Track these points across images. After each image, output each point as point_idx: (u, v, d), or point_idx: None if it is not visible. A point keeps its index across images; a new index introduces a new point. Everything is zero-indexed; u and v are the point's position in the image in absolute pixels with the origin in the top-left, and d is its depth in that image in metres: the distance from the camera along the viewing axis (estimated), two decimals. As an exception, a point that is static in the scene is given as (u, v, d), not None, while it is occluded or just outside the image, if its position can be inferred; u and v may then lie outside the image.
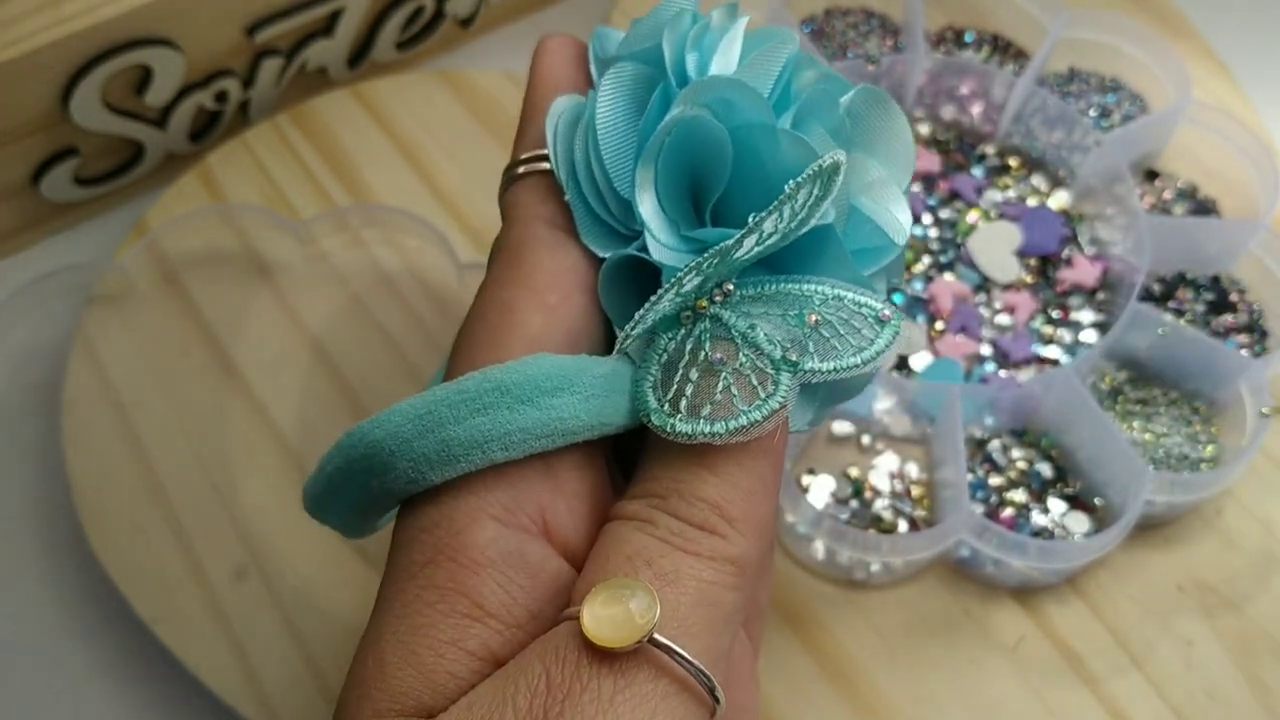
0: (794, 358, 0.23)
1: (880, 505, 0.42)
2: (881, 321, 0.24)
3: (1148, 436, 0.43)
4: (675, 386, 0.23)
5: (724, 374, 0.23)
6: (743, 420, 0.22)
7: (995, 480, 0.42)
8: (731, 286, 0.24)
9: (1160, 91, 0.52)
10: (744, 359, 0.23)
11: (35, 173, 0.46)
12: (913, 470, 0.42)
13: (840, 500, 0.42)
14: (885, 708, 0.38)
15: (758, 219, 0.23)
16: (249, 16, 0.47)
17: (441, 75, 0.52)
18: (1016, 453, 0.43)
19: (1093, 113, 0.52)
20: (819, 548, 0.40)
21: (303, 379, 0.44)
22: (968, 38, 0.54)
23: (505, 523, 0.22)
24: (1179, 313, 0.46)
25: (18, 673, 0.39)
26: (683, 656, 0.20)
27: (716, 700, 0.20)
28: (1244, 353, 0.45)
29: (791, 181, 0.23)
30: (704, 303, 0.24)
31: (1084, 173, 0.48)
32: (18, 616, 0.40)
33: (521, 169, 0.26)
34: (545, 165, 0.26)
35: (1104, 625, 0.40)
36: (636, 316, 0.23)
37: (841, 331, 0.24)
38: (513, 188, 0.27)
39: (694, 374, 0.23)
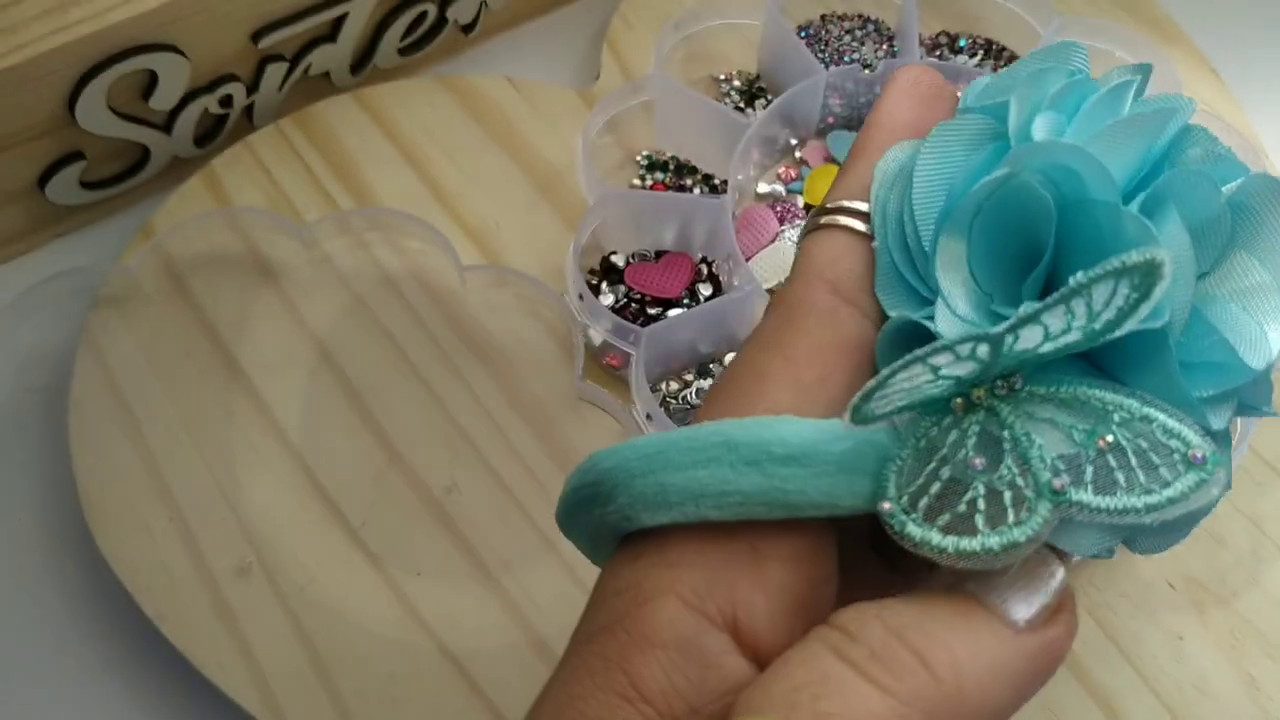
0: (1061, 486, 0.19)
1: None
2: (1189, 463, 0.19)
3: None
4: (921, 481, 0.20)
5: (976, 483, 0.20)
6: (975, 545, 0.19)
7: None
8: (1020, 380, 0.21)
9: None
10: (1005, 471, 0.20)
11: (42, 176, 0.46)
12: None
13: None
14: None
15: (1033, 310, 0.19)
16: (254, 23, 0.47)
17: (443, 80, 0.53)
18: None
19: (1085, 117, 0.52)
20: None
21: (307, 379, 0.44)
22: (961, 43, 0.55)
23: (690, 605, 0.20)
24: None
25: (24, 670, 0.40)
26: None
27: None
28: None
29: (1081, 274, 0.18)
30: (981, 392, 0.21)
31: (1076, 176, 0.49)
32: (24, 614, 0.41)
33: (824, 219, 0.24)
34: (854, 223, 0.24)
35: (1095, 620, 0.40)
36: (871, 384, 0.20)
37: (1134, 464, 0.19)
38: (811, 236, 0.24)
39: (945, 473, 0.20)
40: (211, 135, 0.50)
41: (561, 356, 0.45)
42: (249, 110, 0.50)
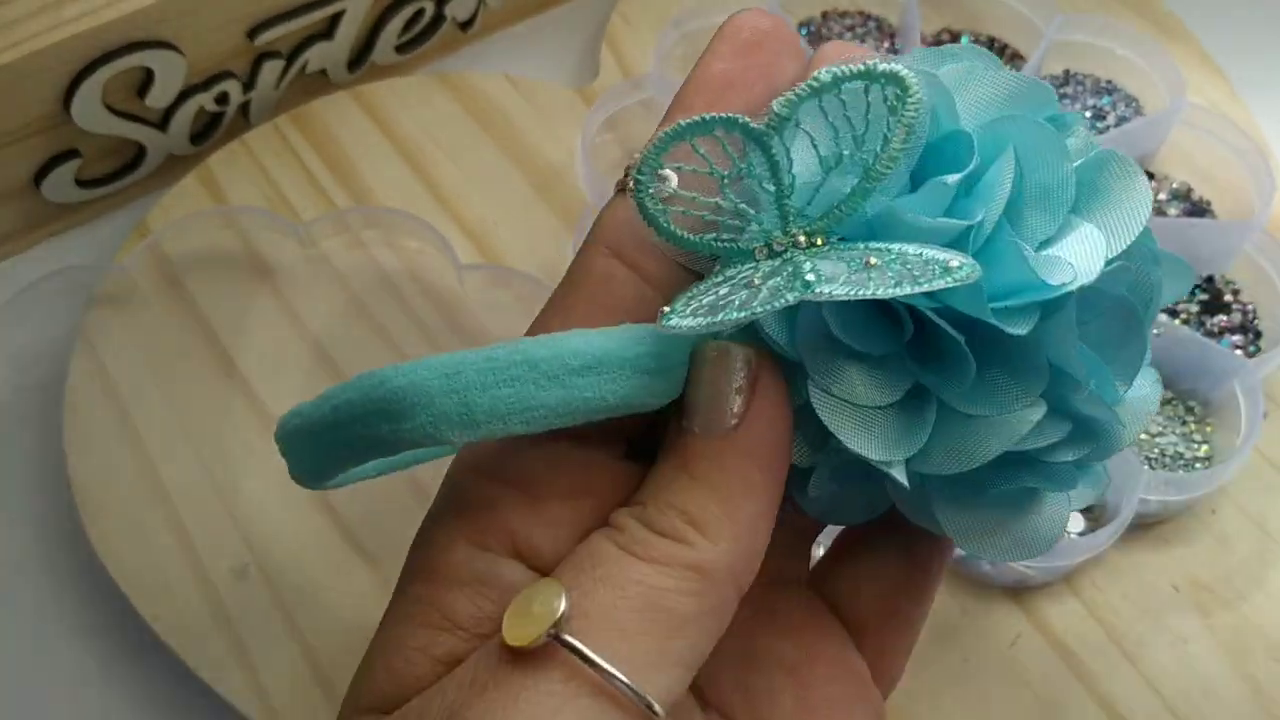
0: (810, 279, 0.20)
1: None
2: (948, 270, 0.20)
3: (1142, 436, 0.43)
4: (703, 296, 0.22)
5: (743, 285, 0.21)
6: (731, 315, 0.20)
7: (991, 480, 0.42)
8: (822, 240, 0.22)
9: (1155, 94, 0.52)
10: (777, 281, 0.21)
11: (37, 174, 0.46)
12: (909, 470, 0.43)
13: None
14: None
15: (790, 100, 0.21)
16: (250, 19, 0.47)
17: (441, 77, 0.52)
18: (1012, 452, 0.43)
19: (1088, 115, 0.52)
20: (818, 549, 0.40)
21: (303, 379, 0.44)
22: (964, 40, 0.55)
23: (478, 545, 0.23)
24: (1173, 313, 0.46)
25: (19, 671, 0.40)
26: (590, 657, 0.20)
27: (653, 710, 0.20)
28: (1238, 353, 0.45)
29: (824, 71, 0.21)
30: (784, 239, 0.22)
31: (1079, 175, 0.49)
32: (19, 615, 0.41)
33: (619, 183, 0.25)
34: None
35: (1099, 623, 0.40)
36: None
37: (889, 272, 0.20)
38: (609, 202, 0.25)
39: (724, 289, 0.22)
40: (207, 133, 0.50)
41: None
42: (245, 108, 0.50)
